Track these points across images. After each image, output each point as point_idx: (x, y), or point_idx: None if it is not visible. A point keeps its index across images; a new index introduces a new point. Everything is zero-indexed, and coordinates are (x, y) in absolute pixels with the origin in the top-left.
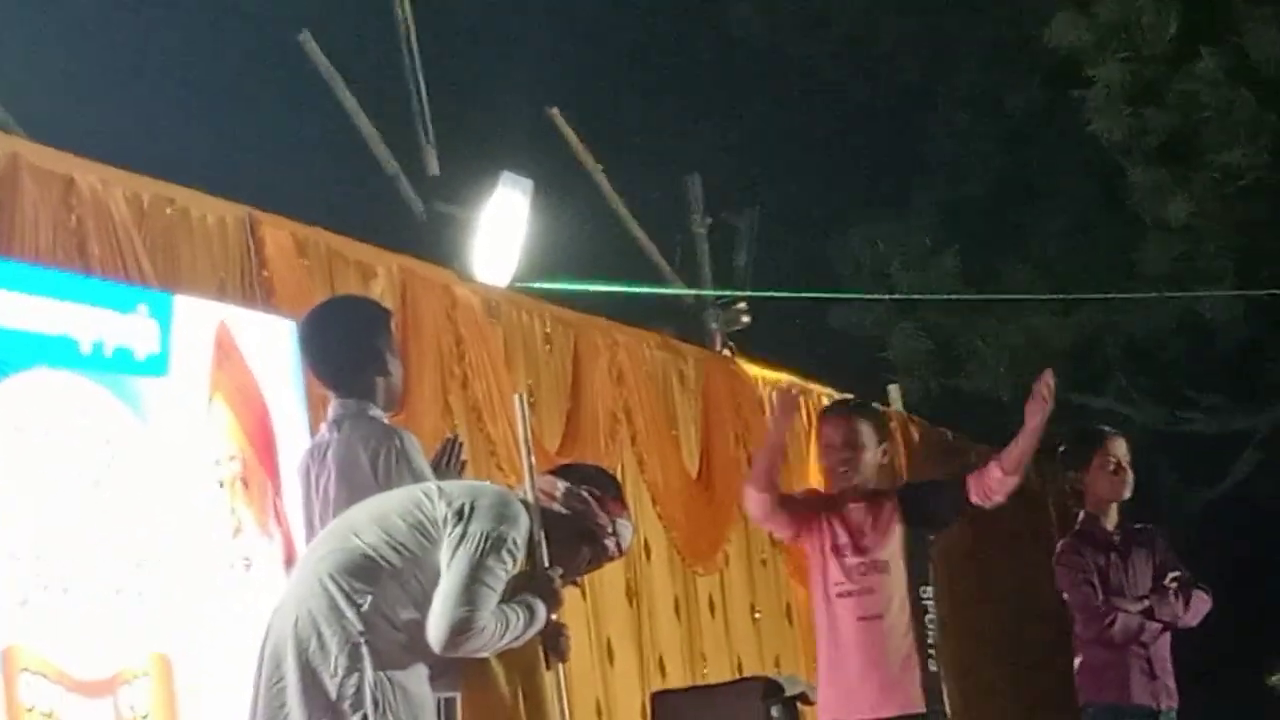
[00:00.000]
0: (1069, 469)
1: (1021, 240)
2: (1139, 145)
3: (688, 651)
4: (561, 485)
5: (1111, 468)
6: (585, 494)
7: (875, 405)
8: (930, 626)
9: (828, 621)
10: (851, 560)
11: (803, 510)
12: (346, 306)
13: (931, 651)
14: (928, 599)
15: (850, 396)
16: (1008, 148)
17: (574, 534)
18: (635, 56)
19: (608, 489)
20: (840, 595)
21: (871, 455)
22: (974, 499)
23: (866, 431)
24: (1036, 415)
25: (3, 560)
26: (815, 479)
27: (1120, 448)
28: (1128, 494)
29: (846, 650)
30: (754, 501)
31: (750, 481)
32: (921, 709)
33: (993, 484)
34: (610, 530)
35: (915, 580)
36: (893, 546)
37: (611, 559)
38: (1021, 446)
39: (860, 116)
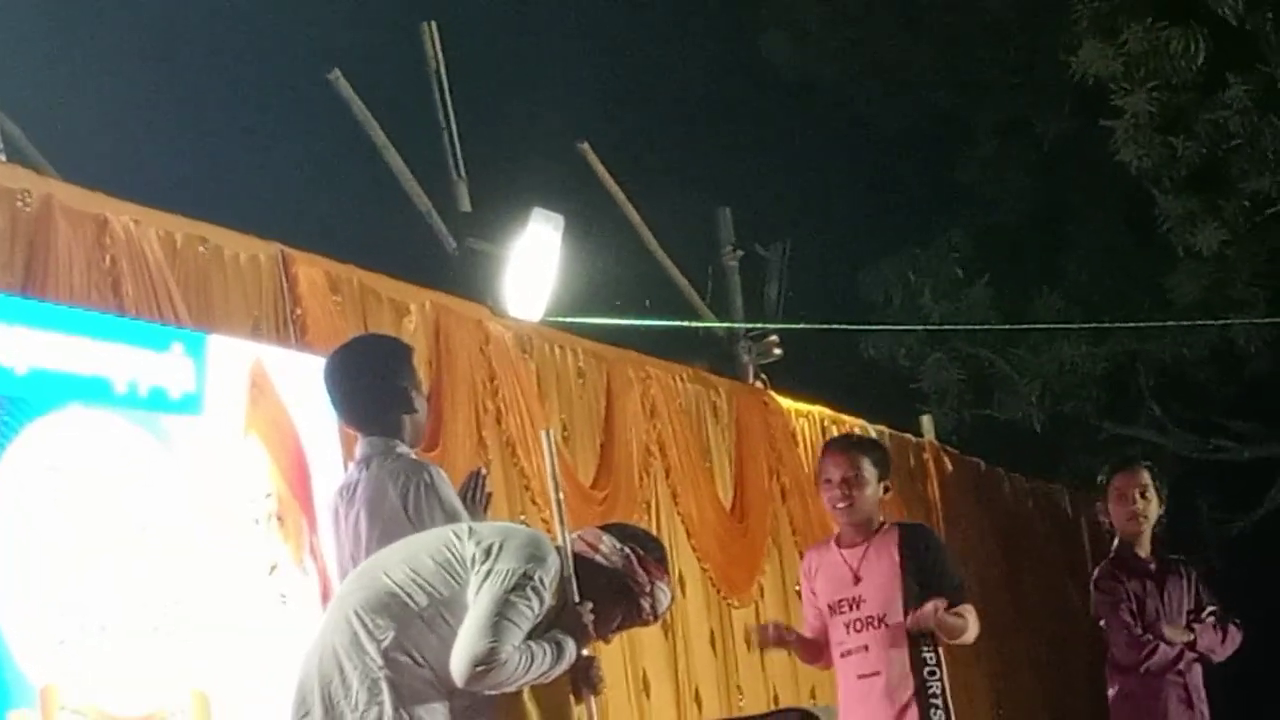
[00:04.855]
0: (1098, 499)
1: (1053, 269)
2: (1169, 174)
3: (724, 684)
4: (606, 539)
5: (1126, 499)
6: (628, 551)
7: (878, 440)
8: (932, 680)
9: (837, 681)
10: (849, 616)
11: (819, 622)
12: (368, 346)
13: (935, 702)
14: (929, 652)
15: (852, 432)
16: (1038, 177)
17: (611, 589)
18: (665, 91)
19: (651, 550)
20: (842, 655)
21: (872, 491)
22: None
23: (867, 467)
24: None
25: (39, 599)
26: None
27: (1131, 480)
28: (1144, 526)
29: (850, 709)
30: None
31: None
32: None
33: None
34: (648, 590)
35: (915, 633)
36: (891, 596)
37: (646, 622)
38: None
39: (890, 147)
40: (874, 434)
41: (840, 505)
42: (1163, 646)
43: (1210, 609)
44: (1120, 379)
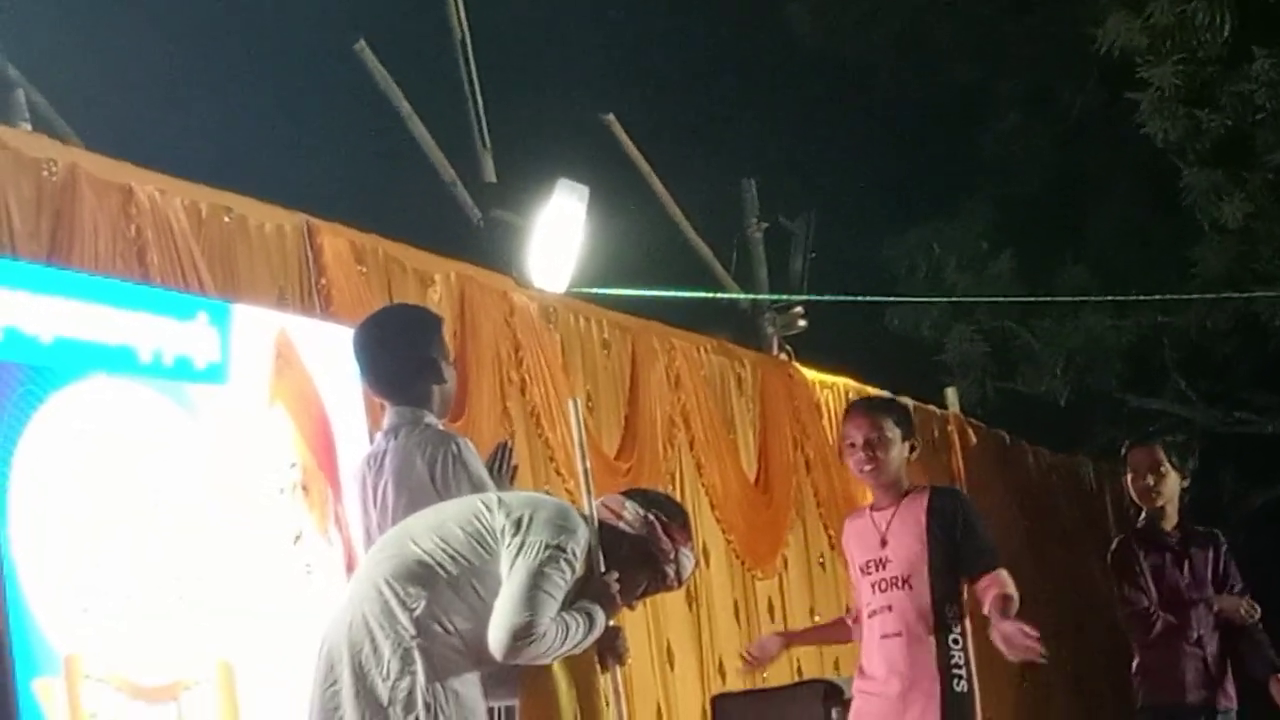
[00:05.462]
0: (1122, 472)
1: (1077, 242)
2: (1194, 146)
3: None
4: (630, 506)
5: (1139, 475)
6: (651, 517)
7: (900, 399)
8: (955, 649)
9: (863, 639)
10: (875, 576)
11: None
12: (399, 315)
13: (958, 671)
14: (953, 619)
15: (874, 393)
16: (1062, 148)
17: (635, 555)
18: (690, 62)
19: (674, 516)
20: (869, 615)
21: (897, 451)
22: (975, 588)
23: (890, 427)
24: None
25: (63, 568)
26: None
27: (1143, 456)
28: (1159, 501)
29: (870, 668)
30: None
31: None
32: None
33: (979, 602)
34: (672, 557)
35: (939, 598)
36: (917, 558)
37: (669, 588)
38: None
39: (914, 118)
40: None
41: (866, 468)
42: (1165, 620)
43: (1238, 588)
44: (1144, 352)
